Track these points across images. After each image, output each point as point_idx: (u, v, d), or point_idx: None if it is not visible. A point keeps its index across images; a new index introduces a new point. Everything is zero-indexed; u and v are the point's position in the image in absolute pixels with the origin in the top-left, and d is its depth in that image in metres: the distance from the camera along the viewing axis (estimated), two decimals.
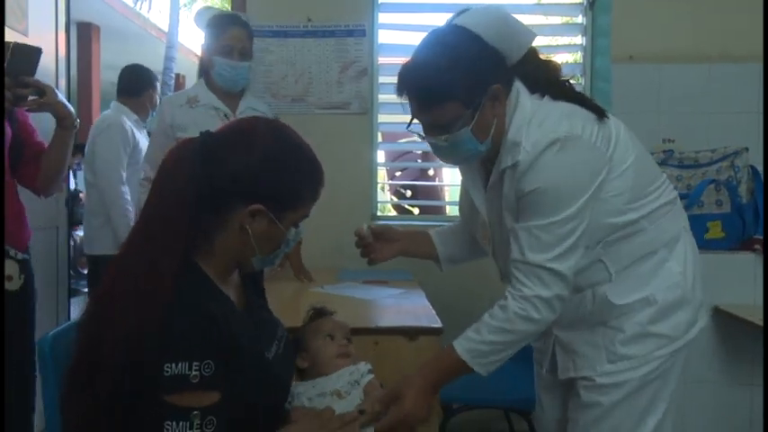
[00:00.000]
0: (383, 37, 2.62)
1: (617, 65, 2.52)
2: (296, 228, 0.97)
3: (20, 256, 1.56)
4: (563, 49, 2.90)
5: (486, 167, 1.19)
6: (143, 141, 2.57)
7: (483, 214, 1.21)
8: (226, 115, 1.94)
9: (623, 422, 1.13)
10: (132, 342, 0.80)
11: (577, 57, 2.73)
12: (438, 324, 1.50)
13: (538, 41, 2.75)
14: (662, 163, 2.38)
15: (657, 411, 1.13)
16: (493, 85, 1.08)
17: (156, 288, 0.83)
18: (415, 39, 2.91)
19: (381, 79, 2.58)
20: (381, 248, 1.31)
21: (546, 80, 1.13)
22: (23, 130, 1.63)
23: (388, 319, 1.64)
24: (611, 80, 2.52)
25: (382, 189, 2.87)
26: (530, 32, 1.13)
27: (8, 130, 1.56)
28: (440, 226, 1.44)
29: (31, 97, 1.50)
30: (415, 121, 1.15)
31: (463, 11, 1.11)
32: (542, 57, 1.16)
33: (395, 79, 1.13)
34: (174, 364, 0.80)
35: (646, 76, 2.50)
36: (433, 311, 1.68)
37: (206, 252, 0.92)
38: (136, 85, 2.63)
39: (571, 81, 1.17)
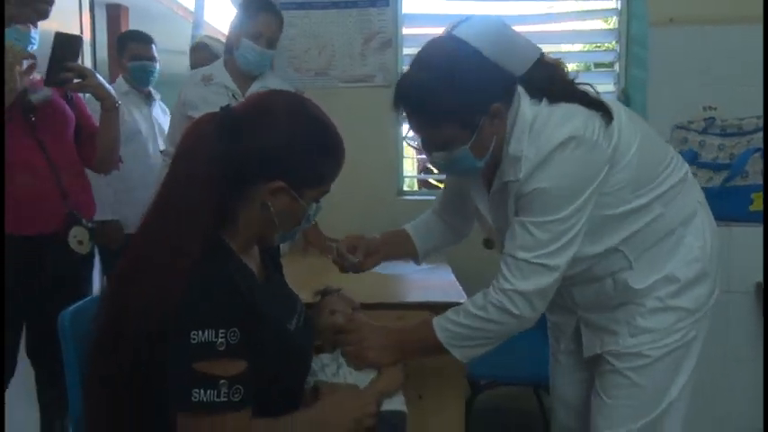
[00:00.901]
0: (407, 6, 2.54)
1: (655, 29, 2.38)
2: (317, 203, 0.97)
3: (89, 224, 1.73)
4: (596, 14, 2.76)
5: (487, 176, 1.16)
6: (136, 114, 2.49)
7: (489, 221, 1.20)
8: (234, 95, 1.95)
9: (646, 390, 1.13)
10: (156, 312, 0.81)
11: (612, 22, 2.60)
12: (464, 299, 1.46)
13: (569, 6, 2.60)
14: (703, 131, 2.26)
15: (680, 380, 1.14)
16: (493, 104, 1.04)
17: (180, 259, 0.83)
18: (441, 8, 2.80)
19: (406, 51, 2.50)
20: (363, 262, 1.31)
21: (548, 83, 1.08)
22: (81, 115, 1.80)
23: (414, 294, 1.62)
24: (649, 45, 2.40)
25: (412, 166, 2.81)
26: (534, 47, 1.08)
27: (71, 114, 1.75)
28: None
29: (75, 80, 1.66)
30: None
31: (463, 20, 1.06)
32: (547, 60, 1.10)
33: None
34: (200, 332, 0.80)
35: (687, 40, 2.36)
36: (460, 287, 1.64)
37: (230, 226, 0.92)
38: (117, 48, 2.56)
39: (575, 79, 1.12)
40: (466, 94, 1.02)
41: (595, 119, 1.04)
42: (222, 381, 0.80)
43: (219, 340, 0.80)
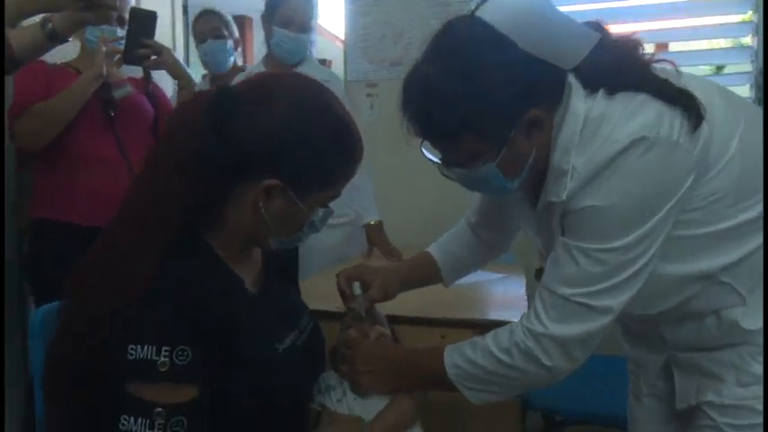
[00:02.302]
0: None
1: None
2: (325, 208, 0.81)
3: None
4: (727, 8, 2.25)
5: (531, 188, 0.89)
6: None
7: (539, 245, 0.96)
8: None
9: None
10: (104, 321, 0.70)
11: (747, 16, 2.14)
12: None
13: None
14: None
15: None
16: (529, 110, 0.78)
17: (143, 263, 0.71)
18: None
19: None
20: (369, 307, 1.08)
21: (611, 69, 0.79)
22: (161, 104, 1.77)
23: (466, 309, 1.39)
24: None
25: None
26: (589, 33, 0.80)
27: (150, 110, 1.71)
28: None
29: (152, 57, 1.63)
30: None
31: None
32: (612, 40, 0.82)
33: None
34: (139, 347, 0.67)
35: None
36: (526, 304, 1.39)
37: (214, 226, 0.79)
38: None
39: (652, 59, 0.82)
40: (488, 101, 0.77)
41: (674, 111, 0.76)
42: (158, 409, 0.67)
43: (162, 359, 0.67)
